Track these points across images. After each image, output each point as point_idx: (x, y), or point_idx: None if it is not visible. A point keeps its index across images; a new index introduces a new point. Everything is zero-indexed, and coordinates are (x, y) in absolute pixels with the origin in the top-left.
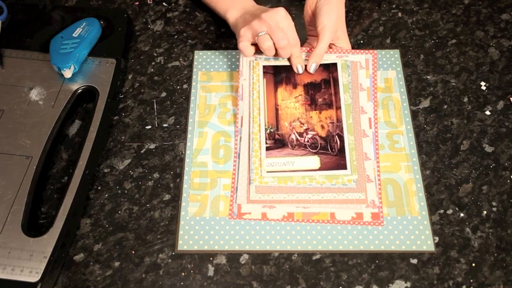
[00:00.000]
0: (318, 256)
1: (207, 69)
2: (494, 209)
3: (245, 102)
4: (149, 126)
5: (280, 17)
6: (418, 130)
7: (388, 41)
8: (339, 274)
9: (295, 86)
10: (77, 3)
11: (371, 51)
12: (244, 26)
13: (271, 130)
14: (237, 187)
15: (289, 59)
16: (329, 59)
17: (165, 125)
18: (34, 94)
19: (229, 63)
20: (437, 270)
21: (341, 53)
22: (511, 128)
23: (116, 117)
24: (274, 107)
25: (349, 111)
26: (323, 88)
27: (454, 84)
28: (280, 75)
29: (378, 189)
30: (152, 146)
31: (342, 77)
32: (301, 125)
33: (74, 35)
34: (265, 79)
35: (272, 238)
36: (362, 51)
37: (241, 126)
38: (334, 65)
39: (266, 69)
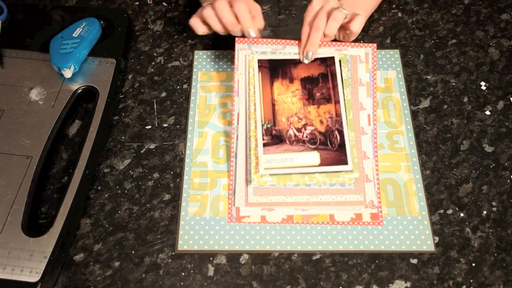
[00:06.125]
0: (318, 256)
1: (207, 69)
2: (494, 209)
3: (241, 98)
4: (149, 126)
5: None
6: (418, 130)
7: (388, 41)
8: (339, 274)
9: (291, 81)
10: (77, 3)
11: (370, 44)
12: None
13: (268, 126)
14: (235, 189)
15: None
16: (327, 52)
17: (165, 125)
18: (34, 94)
19: (229, 63)
20: (437, 270)
21: (340, 46)
22: (511, 128)
23: (116, 117)
24: (270, 102)
25: (349, 107)
26: (321, 82)
27: (454, 84)
28: (276, 69)
29: (377, 189)
30: (152, 146)
31: (342, 72)
32: (299, 120)
33: (74, 35)
34: (260, 73)
35: (272, 238)
36: (362, 44)
37: (238, 124)
38: (332, 58)
39: (261, 63)
